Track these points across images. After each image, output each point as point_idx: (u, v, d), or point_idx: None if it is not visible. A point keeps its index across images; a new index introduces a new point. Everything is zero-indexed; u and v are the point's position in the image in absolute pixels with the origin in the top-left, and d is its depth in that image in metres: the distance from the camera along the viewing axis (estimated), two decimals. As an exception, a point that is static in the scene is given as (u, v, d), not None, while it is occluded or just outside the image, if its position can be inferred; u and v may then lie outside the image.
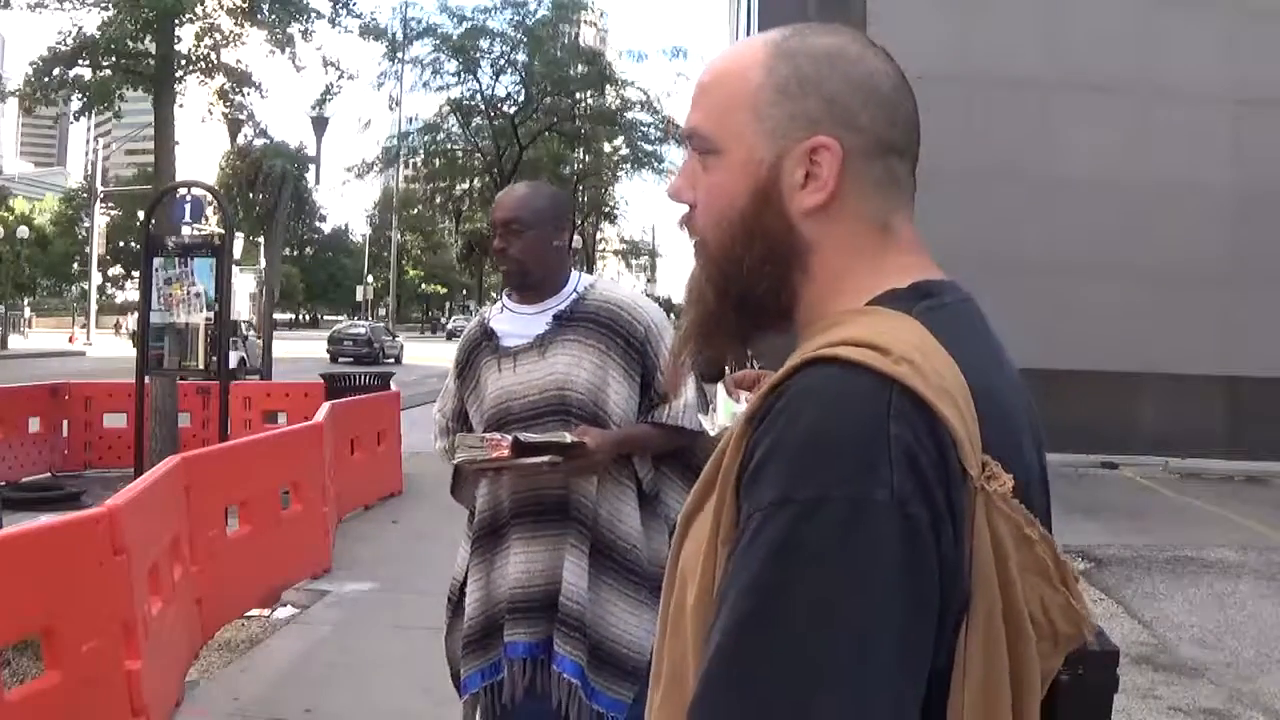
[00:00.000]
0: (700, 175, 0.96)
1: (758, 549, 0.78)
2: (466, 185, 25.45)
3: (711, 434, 2.33)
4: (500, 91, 21.41)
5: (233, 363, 30.40)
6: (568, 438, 2.20)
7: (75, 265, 66.26)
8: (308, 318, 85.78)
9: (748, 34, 20.57)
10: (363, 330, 37.06)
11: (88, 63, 10.58)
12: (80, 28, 10.38)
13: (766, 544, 0.77)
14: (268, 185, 19.01)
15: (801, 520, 0.76)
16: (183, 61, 10.53)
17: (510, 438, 2.19)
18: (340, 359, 30.67)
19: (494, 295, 31.32)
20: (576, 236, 25.72)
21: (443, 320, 75.14)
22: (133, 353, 10.40)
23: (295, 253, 75.25)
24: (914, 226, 0.96)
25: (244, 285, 55.92)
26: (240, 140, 17.42)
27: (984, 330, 0.93)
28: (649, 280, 68.60)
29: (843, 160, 0.90)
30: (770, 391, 0.83)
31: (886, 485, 0.76)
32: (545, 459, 2.17)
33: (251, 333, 24.81)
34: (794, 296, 0.94)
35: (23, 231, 54.99)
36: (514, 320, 2.41)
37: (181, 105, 10.75)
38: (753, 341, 0.99)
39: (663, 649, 0.92)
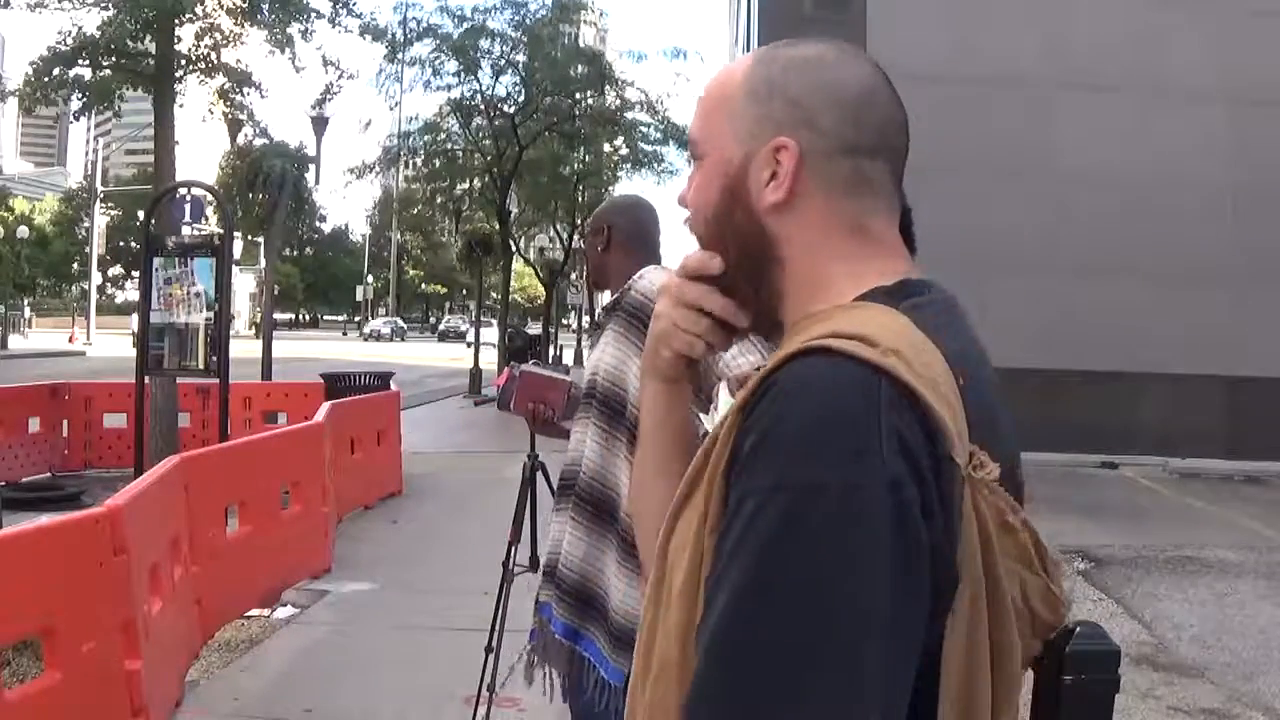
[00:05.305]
0: (694, 179, 1.01)
1: (751, 539, 0.78)
2: (466, 185, 25.37)
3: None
4: (500, 91, 21.31)
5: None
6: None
7: (75, 265, 66.16)
8: (308, 318, 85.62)
9: (747, 34, 20.60)
10: None
11: (88, 63, 10.55)
12: (80, 28, 10.36)
13: (761, 533, 0.78)
14: (268, 185, 18.93)
15: (797, 506, 0.77)
16: (183, 61, 10.51)
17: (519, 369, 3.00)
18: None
19: (493, 295, 31.41)
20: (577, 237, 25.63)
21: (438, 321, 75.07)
22: (132, 352, 10.39)
23: (295, 253, 75.14)
24: (895, 231, 0.97)
25: (244, 285, 56.01)
26: (240, 140, 17.36)
27: (965, 325, 0.95)
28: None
29: (801, 159, 0.93)
30: (761, 383, 0.84)
31: (879, 470, 0.77)
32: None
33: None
34: (776, 295, 0.96)
35: (23, 231, 55.01)
36: None
37: (181, 105, 10.73)
38: (738, 335, 1.03)
39: (652, 640, 0.92)
